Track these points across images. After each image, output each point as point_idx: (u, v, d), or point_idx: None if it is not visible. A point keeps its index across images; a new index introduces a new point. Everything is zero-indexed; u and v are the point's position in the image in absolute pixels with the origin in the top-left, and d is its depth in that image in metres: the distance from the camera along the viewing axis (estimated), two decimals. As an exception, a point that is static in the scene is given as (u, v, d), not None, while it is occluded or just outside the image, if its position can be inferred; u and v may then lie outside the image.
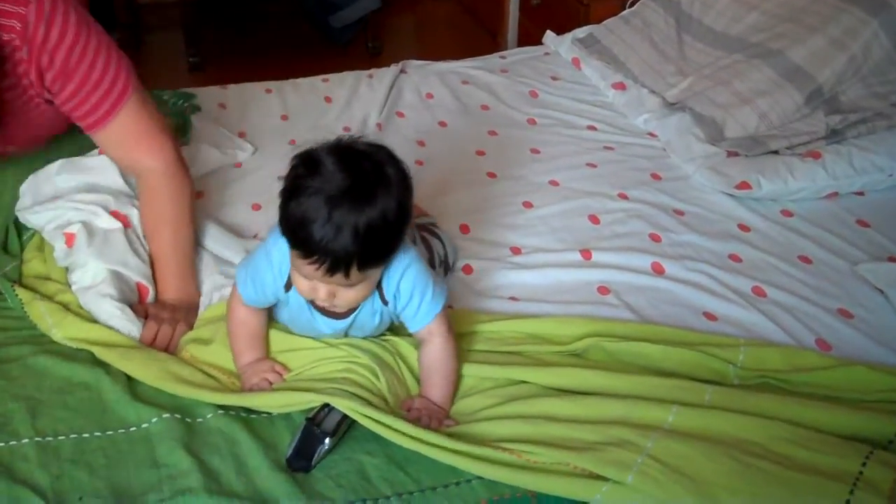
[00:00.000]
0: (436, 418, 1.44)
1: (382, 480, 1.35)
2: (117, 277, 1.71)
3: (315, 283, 1.38)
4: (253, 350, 1.55)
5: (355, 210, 1.29)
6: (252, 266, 1.49)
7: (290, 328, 1.59)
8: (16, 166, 1.90)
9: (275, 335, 1.58)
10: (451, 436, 1.37)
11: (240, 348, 1.55)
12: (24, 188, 1.89)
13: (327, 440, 1.37)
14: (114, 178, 1.90)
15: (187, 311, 1.72)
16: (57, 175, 1.88)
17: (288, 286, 1.47)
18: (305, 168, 1.33)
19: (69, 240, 1.77)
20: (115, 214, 1.81)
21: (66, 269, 1.75)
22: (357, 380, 1.47)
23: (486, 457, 1.34)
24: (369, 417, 1.39)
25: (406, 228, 1.39)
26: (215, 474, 1.36)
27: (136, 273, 1.74)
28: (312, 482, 1.35)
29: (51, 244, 1.80)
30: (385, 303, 1.49)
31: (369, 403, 1.42)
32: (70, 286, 1.71)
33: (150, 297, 1.74)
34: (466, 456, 1.35)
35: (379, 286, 1.46)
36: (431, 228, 1.82)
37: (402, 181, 1.36)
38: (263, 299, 1.51)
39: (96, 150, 1.91)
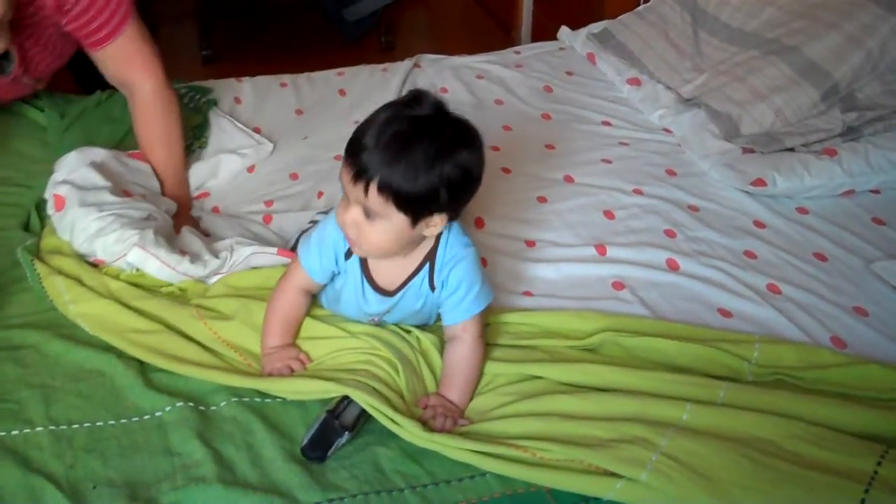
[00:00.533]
0: (451, 417, 1.44)
1: (396, 473, 1.36)
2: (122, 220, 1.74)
3: (347, 209, 1.38)
4: (284, 335, 1.55)
5: (410, 132, 1.33)
6: (318, 233, 1.52)
7: (333, 308, 1.60)
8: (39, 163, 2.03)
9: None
10: (464, 435, 1.37)
11: (272, 328, 1.55)
12: (62, 161, 1.90)
13: (346, 434, 1.37)
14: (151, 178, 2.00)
15: (185, 217, 1.95)
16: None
17: (349, 254, 1.49)
18: (406, 98, 1.38)
19: (58, 203, 1.79)
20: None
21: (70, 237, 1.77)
22: (377, 373, 1.47)
23: (500, 454, 1.34)
24: (386, 416, 1.39)
25: (443, 205, 1.38)
26: (229, 463, 1.36)
27: (142, 210, 1.80)
28: (327, 473, 1.35)
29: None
30: (433, 288, 1.49)
31: (387, 399, 1.42)
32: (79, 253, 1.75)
33: None
34: (480, 454, 1.35)
35: (431, 270, 1.47)
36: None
37: (471, 166, 1.39)
38: (327, 267, 1.52)
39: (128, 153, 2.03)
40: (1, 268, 1.77)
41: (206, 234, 1.90)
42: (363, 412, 1.40)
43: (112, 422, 1.44)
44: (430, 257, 1.48)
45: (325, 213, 1.82)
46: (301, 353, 1.54)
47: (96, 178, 1.83)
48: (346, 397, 1.41)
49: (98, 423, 1.43)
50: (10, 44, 1.86)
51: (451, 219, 1.44)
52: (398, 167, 1.32)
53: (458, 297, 1.48)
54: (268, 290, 1.61)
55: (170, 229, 1.84)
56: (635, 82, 2.54)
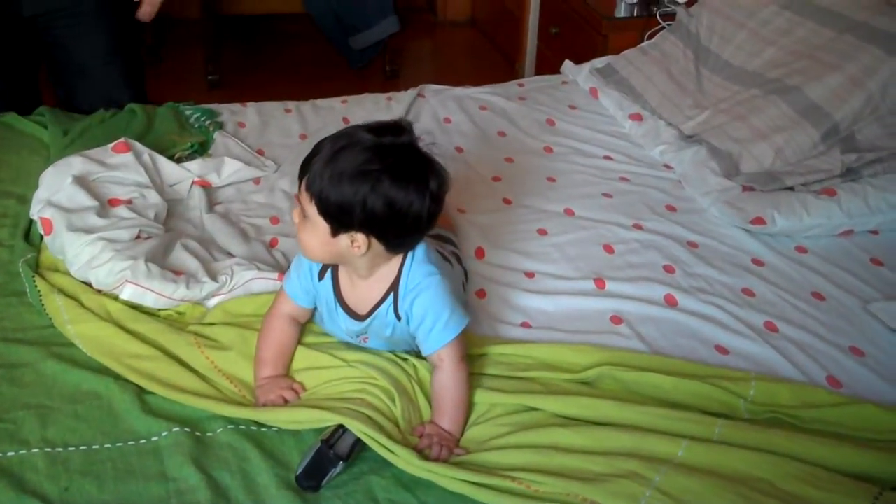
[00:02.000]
0: (446, 447, 1.44)
1: (390, 502, 1.35)
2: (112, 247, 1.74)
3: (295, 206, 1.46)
4: (276, 365, 1.55)
5: (354, 151, 1.37)
6: (296, 256, 1.56)
7: (325, 328, 1.62)
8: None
9: (297, 352, 1.59)
10: (459, 465, 1.37)
11: (264, 359, 1.55)
12: (42, 177, 1.93)
13: (340, 464, 1.37)
14: (136, 172, 1.98)
15: None
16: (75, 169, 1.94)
17: (322, 273, 1.52)
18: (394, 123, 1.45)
19: (46, 226, 1.81)
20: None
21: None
22: (372, 401, 1.48)
23: (494, 486, 1.34)
24: (382, 445, 1.39)
25: (360, 225, 1.39)
26: (224, 490, 1.36)
27: (130, 229, 1.80)
28: (321, 501, 1.35)
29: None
30: (398, 318, 1.50)
31: (382, 428, 1.42)
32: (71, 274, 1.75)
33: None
34: (475, 485, 1.34)
35: (395, 299, 1.48)
36: (457, 253, 1.83)
37: (395, 201, 1.37)
38: (307, 289, 1.54)
39: (109, 146, 2.02)
40: (2, 280, 1.78)
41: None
42: (358, 441, 1.40)
43: (108, 445, 1.43)
44: (394, 286, 1.49)
45: None
46: (294, 384, 1.54)
47: (82, 198, 1.85)
48: (340, 426, 1.41)
49: (94, 447, 1.43)
50: None
51: (390, 249, 1.45)
52: (326, 170, 1.37)
53: (426, 327, 1.48)
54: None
55: (163, 242, 1.82)
56: (637, 118, 2.55)
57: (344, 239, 1.41)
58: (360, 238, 1.41)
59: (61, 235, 1.76)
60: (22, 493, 1.33)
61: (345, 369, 1.54)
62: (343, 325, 1.56)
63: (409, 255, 1.48)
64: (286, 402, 1.50)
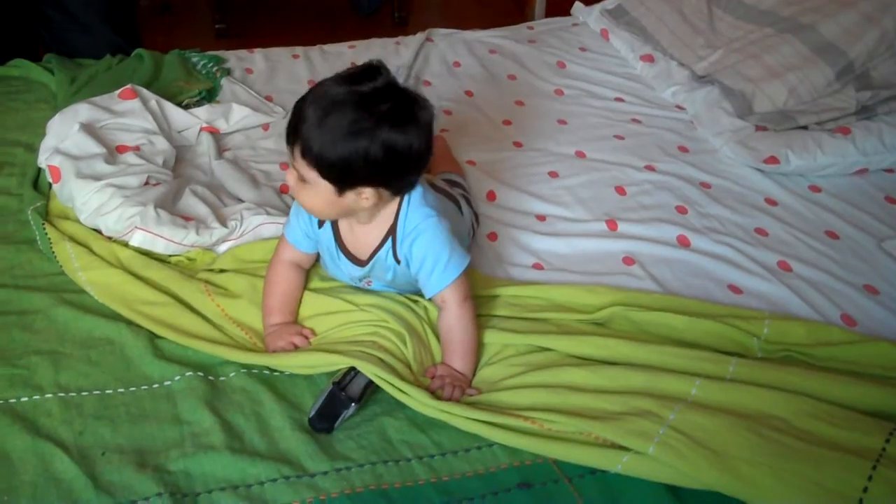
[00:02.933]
0: (459, 387, 1.44)
1: (403, 443, 1.36)
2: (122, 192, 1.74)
3: (288, 171, 1.43)
4: (283, 312, 1.55)
5: (340, 104, 1.34)
6: (294, 206, 1.54)
7: (330, 273, 1.61)
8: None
9: (306, 298, 1.58)
10: (473, 405, 1.37)
11: (271, 307, 1.55)
12: (50, 125, 1.92)
13: (352, 405, 1.38)
14: (144, 119, 1.96)
15: None
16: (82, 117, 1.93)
17: (321, 222, 1.51)
18: (362, 71, 1.39)
19: (54, 174, 1.80)
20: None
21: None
22: (384, 344, 1.47)
23: (507, 425, 1.34)
24: (394, 386, 1.39)
25: (365, 179, 1.38)
26: (238, 433, 1.37)
27: (138, 175, 1.79)
28: (334, 443, 1.36)
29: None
30: (398, 261, 1.49)
31: (394, 370, 1.42)
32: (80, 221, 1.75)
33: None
34: (488, 424, 1.35)
35: (394, 243, 1.47)
36: (466, 196, 1.82)
37: (396, 144, 1.36)
38: (303, 235, 1.54)
39: (116, 93, 2.01)
40: (12, 228, 1.78)
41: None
42: (370, 383, 1.40)
43: (121, 390, 1.44)
44: (392, 231, 1.48)
45: None
46: (304, 329, 1.54)
47: (90, 145, 1.84)
48: (352, 369, 1.41)
49: (107, 391, 1.43)
50: None
51: (396, 193, 1.44)
52: (320, 134, 1.35)
53: (426, 270, 1.48)
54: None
55: (172, 188, 1.81)
56: (649, 59, 2.52)
57: (350, 195, 1.40)
58: (368, 191, 1.40)
59: (70, 183, 1.75)
60: (37, 436, 1.33)
61: (355, 313, 1.54)
62: (346, 270, 1.56)
63: (406, 198, 1.46)
64: (296, 348, 1.50)
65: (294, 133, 1.38)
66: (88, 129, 1.88)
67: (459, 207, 1.73)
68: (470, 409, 1.36)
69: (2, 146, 2.03)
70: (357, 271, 1.54)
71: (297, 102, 1.39)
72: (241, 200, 1.85)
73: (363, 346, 1.46)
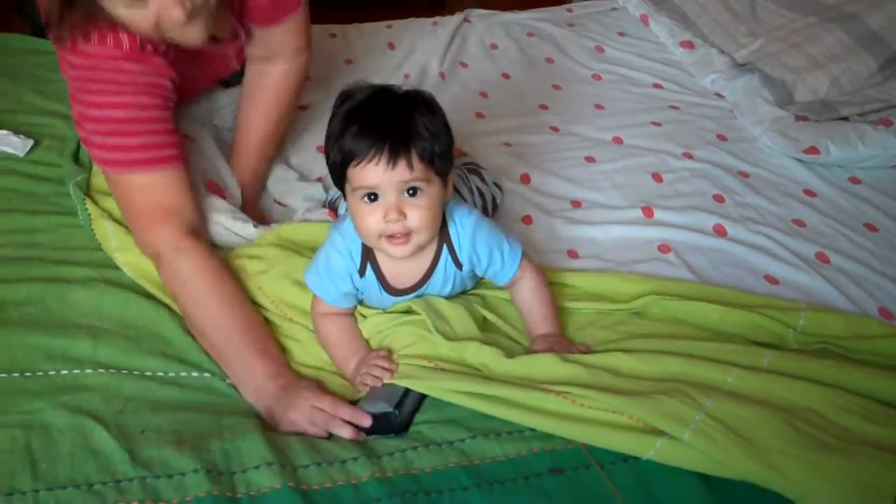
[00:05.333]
0: (566, 347, 1.44)
1: (433, 428, 1.35)
2: None
3: (383, 206, 1.34)
4: (355, 355, 1.47)
5: (393, 105, 1.35)
6: (323, 265, 1.47)
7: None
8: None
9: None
10: (506, 382, 1.36)
11: (340, 357, 1.48)
12: None
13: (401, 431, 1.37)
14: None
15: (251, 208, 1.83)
16: None
17: (362, 269, 1.46)
18: (339, 100, 1.38)
19: None
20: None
21: None
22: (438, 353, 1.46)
23: (539, 407, 1.33)
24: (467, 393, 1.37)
25: (452, 152, 1.38)
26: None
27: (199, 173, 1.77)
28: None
29: None
30: (459, 266, 1.48)
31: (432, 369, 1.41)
32: None
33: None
34: (519, 406, 1.34)
35: (451, 248, 1.46)
36: (473, 167, 1.81)
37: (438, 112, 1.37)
38: (340, 289, 1.47)
39: None
40: (53, 200, 1.79)
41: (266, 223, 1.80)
42: (418, 407, 1.38)
43: (160, 373, 1.45)
44: (444, 240, 1.46)
45: None
46: (381, 351, 1.46)
47: None
48: (407, 389, 1.39)
49: (147, 372, 1.44)
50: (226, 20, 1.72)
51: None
52: (422, 130, 1.32)
53: (497, 262, 1.48)
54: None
55: (227, 170, 1.83)
56: (689, 45, 2.50)
57: (447, 188, 1.40)
58: (452, 172, 1.41)
59: None
60: (77, 411, 1.34)
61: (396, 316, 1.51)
62: (389, 304, 1.51)
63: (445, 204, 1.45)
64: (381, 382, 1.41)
65: (399, 150, 1.31)
66: None
67: (485, 181, 1.76)
68: (503, 387, 1.35)
69: (42, 117, 2.04)
70: (405, 298, 1.50)
71: (358, 136, 1.32)
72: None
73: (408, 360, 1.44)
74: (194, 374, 1.46)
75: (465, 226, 1.45)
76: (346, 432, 1.34)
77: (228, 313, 1.48)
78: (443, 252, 1.46)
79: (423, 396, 1.39)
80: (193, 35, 1.50)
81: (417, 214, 1.35)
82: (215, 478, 1.24)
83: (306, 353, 1.52)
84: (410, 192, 1.34)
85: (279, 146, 1.93)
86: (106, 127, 1.56)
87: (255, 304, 1.56)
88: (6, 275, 1.58)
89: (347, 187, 1.37)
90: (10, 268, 1.60)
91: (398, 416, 1.35)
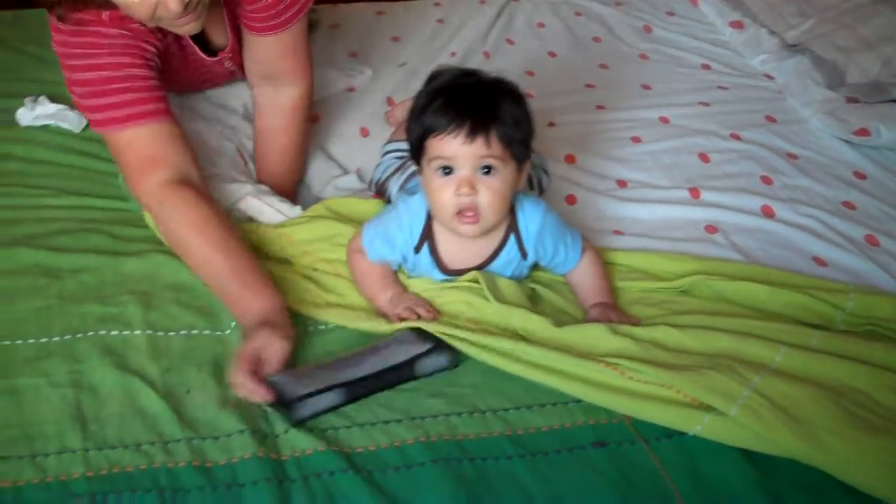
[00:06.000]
0: (621, 318, 1.45)
1: (478, 395, 1.35)
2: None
3: (457, 179, 1.36)
4: (390, 287, 1.49)
5: (483, 88, 1.37)
6: (382, 226, 1.49)
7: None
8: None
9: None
10: (554, 349, 1.37)
11: (374, 291, 1.50)
12: None
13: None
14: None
15: None
16: None
17: (419, 247, 1.47)
18: (428, 80, 1.41)
19: None
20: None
21: None
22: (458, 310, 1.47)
23: (585, 376, 1.33)
24: (468, 342, 1.39)
25: (531, 143, 1.40)
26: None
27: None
28: (409, 391, 1.36)
29: None
30: (524, 255, 1.49)
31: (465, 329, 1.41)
32: None
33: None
34: (564, 375, 1.34)
35: (518, 236, 1.47)
36: None
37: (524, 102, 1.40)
38: (388, 258, 1.50)
39: None
40: (107, 178, 1.81)
41: None
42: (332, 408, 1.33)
43: (207, 332, 1.47)
44: (512, 228, 1.48)
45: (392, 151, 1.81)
46: (425, 301, 1.47)
47: (208, 136, 1.85)
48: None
49: (193, 332, 1.46)
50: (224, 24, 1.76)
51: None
52: (505, 114, 1.35)
53: (561, 254, 1.50)
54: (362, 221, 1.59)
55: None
56: (738, 25, 2.48)
57: (521, 175, 1.42)
58: (527, 164, 1.42)
59: None
60: (125, 371, 1.37)
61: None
62: (439, 281, 1.52)
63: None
64: (418, 318, 1.43)
65: (479, 126, 1.33)
66: (197, 109, 1.89)
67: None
68: (552, 355, 1.35)
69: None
70: (456, 279, 1.51)
71: (439, 109, 1.35)
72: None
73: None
74: (233, 324, 1.47)
75: (534, 216, 1.47)
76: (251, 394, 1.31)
77: (212, 259, 1.50)
78: (509, 239, 1.48)
79: (343, 400, 1.33)
80: (188, 27, 1.54)
81: (489, 194, 1.37)
82: (260, 439, 1.26)
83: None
84: (485, 170, 1.36)
85: (303, 155, 1.92)
86: (90, 89, 1.60)
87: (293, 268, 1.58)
88: (64, 244, 1.61)
89: (424, 160, 1.39)
90: (69, 238, 1.63)
91: (288, 395, 1.31)
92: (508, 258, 1.49)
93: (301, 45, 1.80)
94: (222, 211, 1.59)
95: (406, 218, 1.47)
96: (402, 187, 1.66)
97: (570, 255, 1.51)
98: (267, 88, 1.84)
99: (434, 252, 1.48)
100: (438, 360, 1.39)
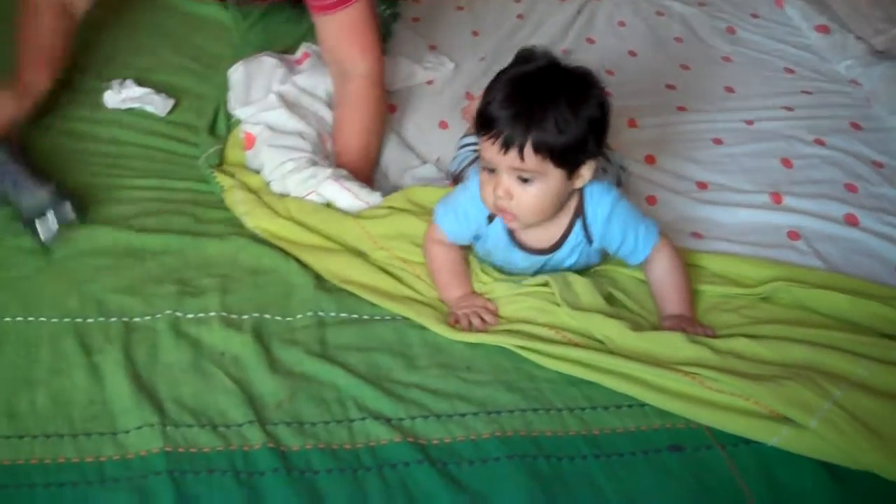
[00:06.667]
0: (694, 330, 1.43)
1: (554, 392, 1.35)
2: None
3: (495, 181, 1.37)
4: (461, 285, 1.52)
5: (542, 87, 1.34)
6: (454, 200, 1.51)
7: (486, 260, 1.58)
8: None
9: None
10: (632, 359, 1.36)
11: (444, 282, 1.52)
12: (234, 74, 1.98)
13: None
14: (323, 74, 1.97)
15: None
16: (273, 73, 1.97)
17: (491, 217, 1.48)
18: (515, 59, 1.40)
19: (248, 140, 1.83)
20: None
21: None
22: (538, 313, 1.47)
23: (663, 386, 1.32)
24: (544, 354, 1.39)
25: (588, 147, 1.37)
26: (385, 369, 1.40)
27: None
28: (484, 384, 1.36)
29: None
30: (590, 240, 1.48)
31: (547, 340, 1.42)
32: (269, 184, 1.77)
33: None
34: (642, 384, 1.33)
35: (584, 221, 1.46)
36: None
37: (599, 100, 1.37)
38: (464, 232, 1.51)
39: (293, 57, 2.04)
40: (191, 161, 1.85)
41: None
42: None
43: (279, 317, 1.48)
44: (579, 212, 1.46)
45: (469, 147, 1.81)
46: (489, 303, 1.49)
47: (288, 121, 1.85)
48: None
49: (265, 316, 1.48)
50: None
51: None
52: (548, 123, 1.32)
53: (630, 242, 1.47)
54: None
55: None
56: (823, 29, 2.43)
57: (573, 179, 1.39)
58: (586, 168, 1.39)
59: (262, 153, 1.78)
60: (200, 354, 1.39)
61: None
62: (518, 262, 1.53)
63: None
64: (482, 322, 1.46)
65: (515, 138, 1.32)
66: (286, 101, 1.89)
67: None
68: (626, 362, 1.35)
69: (179, 76, 2.11)
70: (535, 261, 1.51)
71: (488, 112, 1.35)
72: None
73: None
74: (309, 314, 1.48)
75: (602, 203, 1.45)
76: None
77: None
78: (576, 225, 1.47)
79: None
80: None
81: (523, 202, 1.38)
82: (333, 428, 1.27)
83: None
84: (522, 177, 1.36)
85: (376, 140, 1.92)
86: None
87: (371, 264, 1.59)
88: (148, 225, 1.65)
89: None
90: (152, 219, 1.67)
91: None
92: (575, 242, 1.49)
93: (363, 27, 1.82)
94: None
95: (477, 190, 1.46)
96: None
97: (640, 245, 1.48)
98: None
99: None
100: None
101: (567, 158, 1.35)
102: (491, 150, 1.35)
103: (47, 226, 1.58)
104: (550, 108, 1.32)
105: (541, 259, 1.51)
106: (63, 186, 1.64)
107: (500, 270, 1.56)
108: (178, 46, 2.21)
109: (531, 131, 1.32)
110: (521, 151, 1.33)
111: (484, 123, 1.36)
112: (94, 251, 1.58)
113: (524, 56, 1.41)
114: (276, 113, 1.85)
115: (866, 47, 2.31)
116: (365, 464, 1.22)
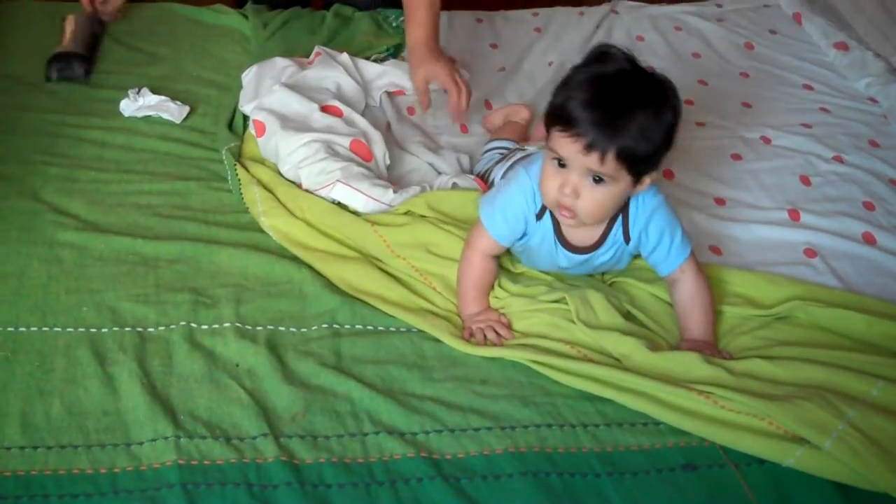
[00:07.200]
0: (713, 354, 1.42)
1: (568, 409, 1.35)
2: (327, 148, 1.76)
3: (564, 177, 1.36)
4: (481, 301, 1.52)
5: (626, 92, 1.33)
6: (501, 198, 1.50)
7: (523, 261, 1.59)
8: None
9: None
10: (645, 376, 1.35)
11: (468, 297, 1.52)
12: (247, 76, 2.00)
13: None
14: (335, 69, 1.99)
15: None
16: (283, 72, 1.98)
17: (541, 213, 1.47)
18: (592, 56, 1.38)
19: (258, 128, 1.83)
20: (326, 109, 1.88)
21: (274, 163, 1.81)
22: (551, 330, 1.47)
23: (677, 404, 1.32)
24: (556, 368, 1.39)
25: (668, 148, 1.38)
26: (399, 381, 1.39)
27: (346, 136, 1.79)
28: (499, 400, 1.36)
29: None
30: (627, 240, 1.47)
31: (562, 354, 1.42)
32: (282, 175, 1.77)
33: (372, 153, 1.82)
34: (659, 402, 1.33)
35: (625, 222, 1.46)
36: None
37: (676, 109, 1.38)
38: (515, 230, 1.49)
39: (307, 60, 2.05)
40: (205, 165, 1.86)
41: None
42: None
43: (293, 329, 1.48)
44: (622, 210, 1.46)
45: (503, 152, 1.81)
46: (502, 317, 1.51)
47: (294, 102, 1.86)
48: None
49: (280, 328, 1.48)
50: None
51: None
52: (633, 131, 1.31)
53: (664, 247, 1.47)
54: (462, 221, 1.62)
55: (380, 141, 1.85)
56: (842, 47, 2.42)
57: (638, 184, 1.39)
58: (655, 173, 1.40)
59: (275, 136, 1.78)
60: (214, 366, 1.39)
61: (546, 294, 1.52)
62: (560, 260, 1.52)
63: None
64: (497, 336, 1.47)
65: (600, 142, 1.31)
66: (291, 87, 1.90)
67: None
68: (645, 381, 1.34)
69: (198, 85, 2.12)
70: (576, 258, 1.51)
71: (567, 109, 1.33)
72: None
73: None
74: (324, 325, 1.48)
75: (646, 204, 1.46)
76: None
77: None
78: (617, 221, 1.47)
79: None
80: None
81: (589, 203, 1.38)
82: (346, 441, 1.27)
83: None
84: (595, 178, 1.35)
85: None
86: None
87: (388, 275, 1.59)
88: (161, 232, 1.65)
89: (548, 137, 1.39)
90: (165, 226, 1.67)
91: None
92: (614, 241, 1.48)
93: None
94: None
95: (528, 184, 1.46)
96: (504, 175, 1.67)
97: (673, 253, 1.47)
98: None
99: (555, 222, 1.48)
100: None
101: (641, 166, 1.36)
102: (569, 147, 1.34)
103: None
104: (636, 115, 1.32)
105: (581, 258, 1.51)
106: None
107: (530, 270, 1.58)
108: (197, 57, 2.23)
109: (616, 138, 1.31)
110: (603, 156, 1.32)
111: (563, 120, 1.34)
112: (108, 258, 1.59)
113: (600, 54, 1.39)
114: (279, 96, 1.86)
115: (885, 65, 2.30)
116: (378, 478, 1.22)
